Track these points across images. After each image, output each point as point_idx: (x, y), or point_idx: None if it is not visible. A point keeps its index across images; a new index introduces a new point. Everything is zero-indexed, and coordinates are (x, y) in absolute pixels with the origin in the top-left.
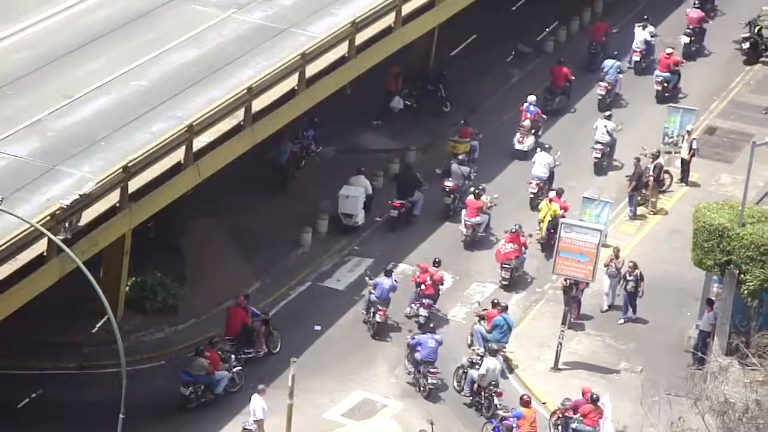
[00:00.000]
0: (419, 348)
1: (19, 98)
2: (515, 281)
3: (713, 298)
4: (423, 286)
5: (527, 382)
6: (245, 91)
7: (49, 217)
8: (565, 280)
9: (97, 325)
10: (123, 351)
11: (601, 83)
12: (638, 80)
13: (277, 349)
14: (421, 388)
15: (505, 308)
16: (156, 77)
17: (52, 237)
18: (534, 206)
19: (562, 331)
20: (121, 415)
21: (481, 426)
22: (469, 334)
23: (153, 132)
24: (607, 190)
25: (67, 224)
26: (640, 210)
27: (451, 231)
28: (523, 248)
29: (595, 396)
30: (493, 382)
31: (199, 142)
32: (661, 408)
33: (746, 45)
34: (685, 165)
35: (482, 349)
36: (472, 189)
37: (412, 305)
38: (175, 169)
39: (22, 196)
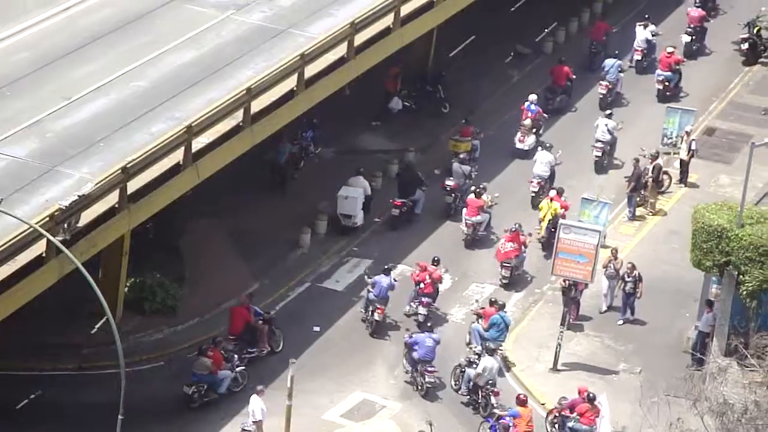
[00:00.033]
0: (416, 347)
1: (18, 99)
2: (515, 280)
3: (713, 299)
4: (422, 285)
5: (526, 382)
6: (244, 92)
7: (48, 218)
8: (564, 281)
9: (96, 326)
10: (122, 352)
11: (602, 82)
12: (639, 79)
13: (280, 348)
14: (419, 387)
15: (502, 306)
16: (155, 78)
17: (51, 238)
18: (535, 205)
19: (561, 332)
20: (120, 416)
21: (477, 425)
22: (467, 333)
23: (152, 133)
24: (606, 191)
25: (66, 225)
26: (639, 211)
27: (452, 230)
28: (523, 247)
29: (591, 395)
30: (490, 382)
31: (198, 143)
32: (660, 409)
33: (745, 46)
34: (684, 166)
35: (479, 347)
36: (472, 188)
37: (411, 303)
38: (174, 170)
39: (21, 197)
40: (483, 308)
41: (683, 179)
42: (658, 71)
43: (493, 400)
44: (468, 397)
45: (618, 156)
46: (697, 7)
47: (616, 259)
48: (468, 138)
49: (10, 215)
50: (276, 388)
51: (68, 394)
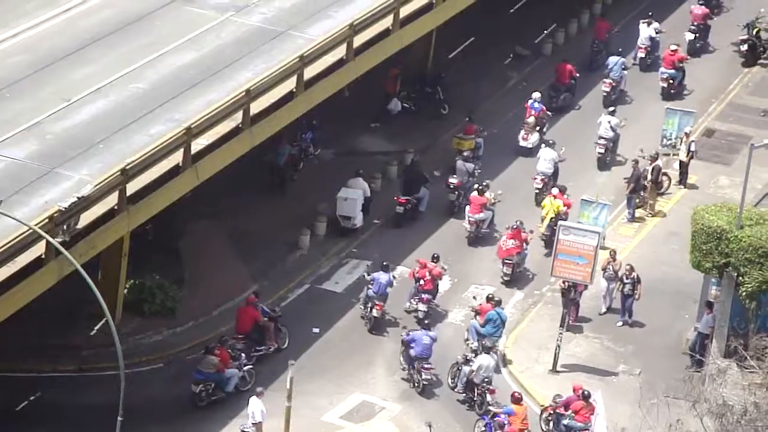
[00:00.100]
0: (413, 344)
1: (18, 101)
2: (516, 277)
3: (713, 301)
4: (422, 282)
5: (525, 384)
6: (243, 93)
7: (47, 220)
8: (564, 282)
9: (96, 328)
10: (121, 353)
11: (605, 80)
12: (643, 77)
13: (285, 345)
14: (416, 384)
15: (499, 303)
16: (154, 80)
17: (51, 239)
18: (539, 202)
19: (561, 333)
20: (119, 418)
21: (473, 422)
22: (465, 330)
23: (151, 135)
24: (605, 193)
25: (65, 227)
26: (639, 212)
27: (456, 228)
28: (524, 244)
29: (586, 392)
30: (486, 380)
31: (197, 145)
32: (660, 410)
33: (744, 47)
34: (684, 167)
35: (476, 344)
36: (475, 185)
37: (411, 300)
38: (174, 172)
39: (21, 198)
40: (480, 305)
41: (682, 180)
42: (662, 69)
43: (488, 397)
44: (464, 394)
45: (621, 153)
46: (701, 4)
47: (614, 260)
48: (472, 136)
49: (10, 217)
50: (275, 389)
51: (68, 395)
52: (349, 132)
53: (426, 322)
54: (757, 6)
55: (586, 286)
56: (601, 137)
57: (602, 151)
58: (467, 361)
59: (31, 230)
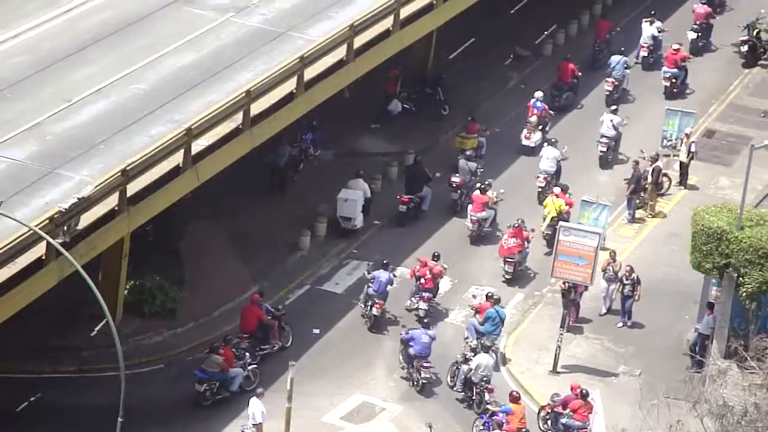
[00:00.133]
0: (412, 343)
1: (18, 102)
2: (518, 275)
3: (713, 302)
4: (422, 280)
5: (526, 385)
6: (244, 94)
7: (47, 221)
8: (564, 283)
9: (96, 329)
10: (122, 354)
11: (608, 79)
12: (646, 76)
13: (289, 343)
14: (414, 383)
15: (498, 301)
16: (155, 81)
17: (51, 240)
18: (541, 200)
19: (561, 334)
20: (119, 419)
21: (471, 421)
22: (466, 329)
23: (152, 135)
24: (605, 193)
25: (65, 228)
26: (639, 213)
27: (458, 226)
28: (525, 243)
29: (584, 391)
30: (484, 378)
31: (197, 146)
32: (660, 411)
33: (744, 48)
34: (684, 168)
35: (475, 342)
36: (478, 184)
37: (412, 299)
38: (174, 173)
39: (21, 199)
40: (479, 303)
41: (683, 181)
42: (665, 68)
43: (487, 396)
44: (462, 393)
45: (622, 151)
46: (703, 3)
47: (614, 261)
48: (474, 135)
49: (10, 218)
50: (276, 390)
51: (68, 396)
52: (350, 133)
53: (426, 320)
54: (758, 7)
55: (586, 287)
56: (603, 136)
57: (604, 149)
58: (466, 360)
59: (31, 231)
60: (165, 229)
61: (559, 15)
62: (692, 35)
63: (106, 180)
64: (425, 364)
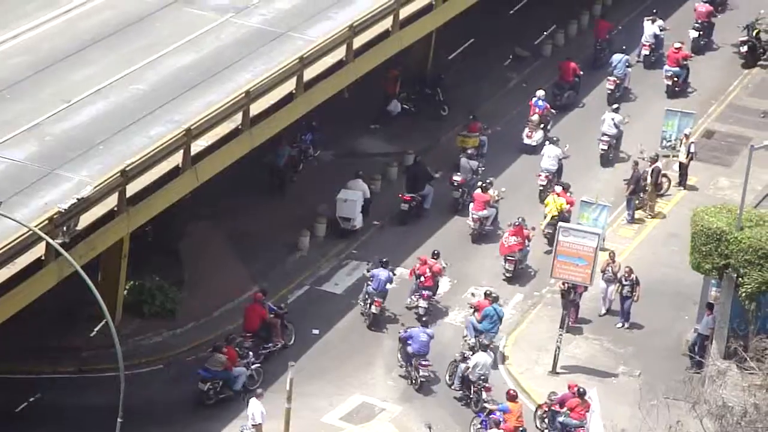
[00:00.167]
0: (411, 341)
1: (18, 102)
2: (518, 274)
3: (713, 302)
4: (422, 278)
5: (525, 385)
6: (243, 95)
7: (47, 221)
8: (564, 283)
9: (96, 329)
10: (121, 355)
11: (609, 78)
12: (647, 74)
13: (292, 342)
14: (413, 381)
15: (496, 299)
16: (154, 81)
17: (51, 241)
18: (543, 199)
19: (560, 334)
20: (119, 419)
21: (469, 420)
22: (465, 327)
23: (151, 136)
24: (605, 194)
25: (65, 228)
26: (638, 214)
27: (460, 225)
28: (526, 241)
29: (581, 390)
30: (482, 377)
31: (197, 146)
32: (660, 412)
33: (744, 48)
34: (683, 169)
35: (473, 339)
36: (479, 183)
37: (412, 297)
38: (173, 173)
39: (20, 200)
40: (477, 301)
41: (682, 182)
42: (666, 67)
43: (484, 395)
44: (460, 392)
45: (624, 150)
46: (705, 2)
47: (614, 262)
48: (476, 133)
49: (10, 218)
50: (275, 391)
51: (68, 397)
52: (349, 133)
53: (425, 319)
54: (758, 7)
55: (585, 288)
56: (604, 134)
57: (605, 148)
58: (464, 359)
59: (30, 231)
60: (164, 230)
61: (558, 15)
62: (694, 34)
63: (106, 180)
64: (423, 363)
